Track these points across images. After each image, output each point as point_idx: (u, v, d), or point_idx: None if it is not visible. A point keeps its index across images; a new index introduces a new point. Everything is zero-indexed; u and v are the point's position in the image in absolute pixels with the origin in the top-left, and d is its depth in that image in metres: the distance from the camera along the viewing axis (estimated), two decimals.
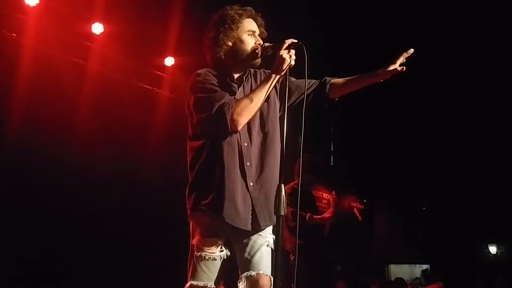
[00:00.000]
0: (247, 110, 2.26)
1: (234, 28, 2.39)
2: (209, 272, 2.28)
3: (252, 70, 2.53)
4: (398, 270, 12.42)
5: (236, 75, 2.46)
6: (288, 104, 2.25)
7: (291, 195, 3.46)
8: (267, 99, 2.38)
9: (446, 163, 10.30)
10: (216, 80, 2.36)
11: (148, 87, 6.77)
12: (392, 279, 10.87)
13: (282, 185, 2.04)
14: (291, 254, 4.45)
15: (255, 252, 2.32)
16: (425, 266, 12.40)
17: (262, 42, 2.42)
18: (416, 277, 11.72)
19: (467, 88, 7.89)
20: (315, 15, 6.31)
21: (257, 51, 2.39)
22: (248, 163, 2.33)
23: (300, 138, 2.18)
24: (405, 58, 2.37)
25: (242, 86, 2.44)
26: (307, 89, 2.36)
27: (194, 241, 2.31)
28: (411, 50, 2.37)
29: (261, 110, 2.38)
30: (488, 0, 6.32)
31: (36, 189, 5.40)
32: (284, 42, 2.24)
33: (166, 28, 5.97)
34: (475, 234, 11.34)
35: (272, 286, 2.25)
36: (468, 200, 10.55)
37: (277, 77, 2.29)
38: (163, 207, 6.10)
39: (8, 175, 5.22)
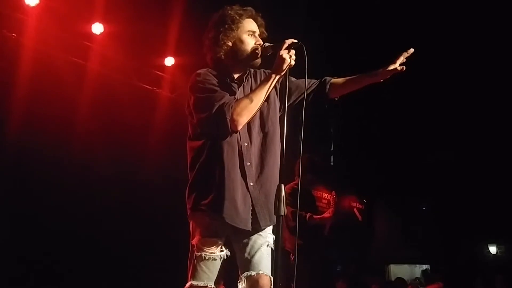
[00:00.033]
0: (247, 110, 2.26)
1: (234, 28, 2.39)
2: (209, 272, 2.28)
3: (252, 70, 2.53)
4: (398, 270, 12.42)
5: (236, 75, 2.46)
6: (288, 104, 2.25)
7: (291, 195, 3.47)
8: (267, 99, 2.38)
9: (446, 163, 10.30)
10: (216, 80, 2.36)
11: (148, 87, 6.77)
12: (392, 279, 10.87)
13: (282, 185, 2.04)
14: (291, 254, 4.45)
15: (255, 252, 2.32)
16: (425, 266, 12.40)
17: (262, 42, 2.42)
18: (416, 277, 11.71)
19: (467, 88, 7.89)
20: (315, 15, 6.30)
21: (257, 51, 2.39)
22: (248, 163, 2.33)
23: (300, 138, 2.18)
24: (405, 58, 2.37)
25: (242, 86, 2.44)
26: (307, 89, 2.36)
27: (194, 241, 2.31)
28: (411, 50, 2.37)
29: (261, 110, 2.38)
30: (488, 0, 6.32)
31: (36, 189, 5.40)
32: (284, 42, 2.24)
33: (166, 28, 5.97)
34: (475, 234, 11.34)
35: (272, 286, 2.25)
36: (468, 200, 10.54)
37: (277, 77, 2.29)
38: (163, 207, 6.10)
39: (8, 175, 5.22)
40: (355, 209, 10.97)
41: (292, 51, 2.22)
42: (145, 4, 5.62)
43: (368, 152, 9.92)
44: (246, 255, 2.33)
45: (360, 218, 11.02)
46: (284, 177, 2.07)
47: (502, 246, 12.43)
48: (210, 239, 2.30)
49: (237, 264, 2.37)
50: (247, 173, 2.31)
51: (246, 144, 2.35)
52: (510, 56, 6.98)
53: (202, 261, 2.27)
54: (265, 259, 2.33)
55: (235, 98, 2.32)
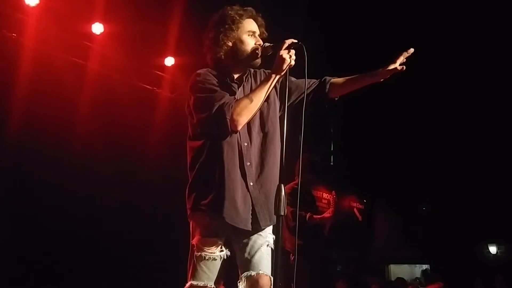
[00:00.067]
0: (247, 110, 2.26)
1: (234, 29, 2.39)
2: (209, 272, 2.29)
3: (252, 70, 2.53)
4: (398, 270, 12.41)
5: (236, 75, 2.46)
6: (288, 104, 2.25)
7: (291, 195, 3.47)
8: (267, 99, 2.38)
9: (446, 163, 10.29)
10: (216, 80, 2.36)
11: (148, 87, 6.77)
12: (392, 279, 10.87)
13: (282, 185, 2.04)
14: (291, 254, 4.45)
15: (255, 252, 2.32)
16: (425, 266, 12.39)
17: (262, 43, 2.42)
18: (416, 277, 11.71)
19: (467, 88, 7.89)
20: (315, 15, 6.30)
21: (257, 51, 2.39)
22: (248, 163, 2.33)
23: (300, 138, 2.18)
24: (405, 58, 2.37)
25: (242, 86, 2.44)
26: (307, 89, 2.36)
27: (194, 241, 2.31)
28: (411, 50, 2.37)
29: (261, 110, 2.38)
30: (488, 0, 6.32)
31: (36, 189, 5.40)
32: (284, 42, 2.24)
33: (166, 28, 5.97)
34: (475, 234, 11.34)
35: (272, 286, 2.25)
36: (468, 200, 10.54)
37: (277, 77, 2.29)
38: (163, 207, 6.10)
39: (8, 175, 5.22)
40: (355, 209, 10.97)
41: (292, 51, 2.22)
42: (145, 4, 5.62)
43: (368, 152, 9.92)
44: (246, 255, 2.33)
45: (360, 218, 11.02)
46: (284, 177, 2.07)
47: (502, 246, 12.43)
48: (210, 239, 2.30)
49: (237, 264, 2.37)
50: (247, 173, 2.32)
51: (246, 144, 2.35)
52: (510, 56, 6.98)
53: (202, 261, 2.27)
54: (265, 259, 2.33)
55: (235, 98, 2.32)
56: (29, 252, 5.15)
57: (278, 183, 2.05)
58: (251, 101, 2.27)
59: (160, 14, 5.77)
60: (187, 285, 2.29)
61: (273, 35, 2.48)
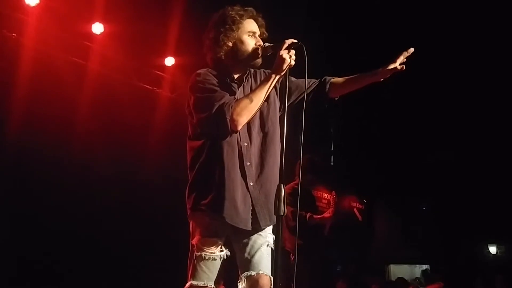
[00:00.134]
0: (247, 110, 2.26)
1: (234, 29, 2.39)
2: (209, 272, 2.29)
3: (252, 70, 2.53)
4: (398, 270, 12.41)
5: (236, 75, 2.46)
6: (288, 104, 2.25)
7: (291, 195, 3.47)
8: (267, 99, 2.39)
9: (446, 163, 10.29)
10: (216, 80, 2.36)
11: (148, 87, 6.77)
12: (392, 279, 10.86)
13: (282, 185, 2.04)
14: (291, 254, 4.45)
15: (255, 252, 2.32)
16: (425, 266, 12.38)
17: (262, 43, 2.42)
18: (416, 277, 11.70)
19: (467, 88, 7.88)
20: (315, 15, 6.30)
21: (257, 51, 2.40)
22: (248, 163, 2.33)
23: (300, 138, 2.18)
24: (405, 58, 2.37)
25: (242, 86, 2.44)
26: (307, 89, 2.36)
27: (194, 241, 2.32)
28: (411, 49, 2.37)
29: (261, 110, 2.38)
30: (488, 0, 6.32)
31: (36, 189, 5.40)
32: (284, 42, 2.25)
33: (166, 28, 5.97)
34: (475, 234, 11.33)
35: (272, 286, 2.25)
36: (468, 200, 10.54)
37: (277, 77, 2.29)
38: (163, 207, 6.10)
39: (8, 175, 5.22)
40: (355, 209, 10.97)
41: (292, 51, 2.23)
42: (145, 4, 5.62)
43: (368, 152, 9.91)
44: (246, 255, 2.33)
45: (360, 218, 11.02)
46: (284, 177, 2.07)
47: (502, 246, 12.42)
48: (210, 239, 2.30)
49: (237, 264, 2.37)
50: (247, 173, 2.32)
51: (246, 144, 2.35)
52: (510, 56, 6.98)
53: (202, 261, 2.27)
54: (265, 259, 2.33)
55: (235, 98, 2.32)
56: (29, 252, 5.15)
57: (278, 183, 2.05)
58: (251, 101, 2.27)
59: (160, 14, 5.77)
60: (187, 285, 2.29)
61: (273, 35, 2.48)
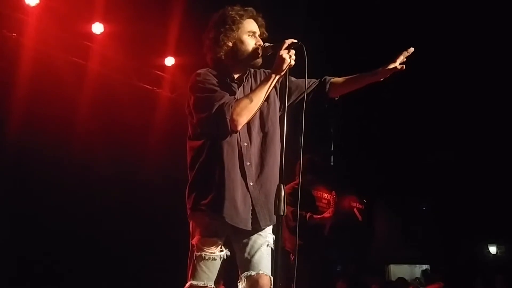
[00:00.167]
0: (247, 110, 2.26)
1: (234, 29, 2.39)
2: (209, 272, 2.29)
3: (252, 70, 2.53)
4: (398, 270, 12.40)
5: (236, 75, 2.46)
6: (288, 104, 2.26)
7: (291, 194, 3.47)
8: (267, 99, 2.39)
9: (446, 163, 10.29)
10: (216, 80, 2.36)
11: (148, 87, 6.77)
12: (392, 279, 10.86)
13: (282, 185, 2.04)
14: (291, 254, 4.45)
15: (255, 252, 2.32)
16: (425, 266, 12.37)
17: (262, 43, 2.42)
18: (416, 277, 11.69)
19: (467, 88, 7.88)
20: (315, 15, 6.30)
21: (257, 51, 2.40)
22: (248, 163, 2.33)
23: (300, 138, 2.18)
24: (405, 57, 2.38)
25: (242, 86, 2.44)
26: (307, 89, 2.36)
27: (194, 241, 2.32)
28: (411, 49, 2.37)
29: (261, 110, 2.38)
30: (488, 0, 6.32)
31: (36, 189, 5.40)
32: (284, 42, 2.25)
33: (166, 28, 5.97)
34: (475, 234, 11.33)
35: (272, 286, 2.25)
36: (468, 200, 10.54)
37: (277, 77, 2.29)
38: (163, 207, 6.10)
39: (8, 175, 5.22)
40: (355, 209, 10.97)
41: (292, 51, 2.23)
42: (145, 4, 5.62)
43: (368, 152, 9.91)
44: (246, 255, 2.33)
45: (360, 218, 11.01)
46: (284, 177, 2.07)
47: (502, 246, 12.42)
48: (210, 239, 2.30)
49: (237, 264, 2.37)
50: (247, 173, 2.32)
51: (246, 144, 2.35)
52: (510, 56, 6.98)
53: (202, 261, 2.28)
54: (265, 259, 2.33)
55: (235, 98, 2.33)
56: (29, 252, 5.15)
57: (278, 183, 2.05)
58: (251, 101, 2.27)
59: (160, 14, 5.77)
60: (187, 285, 2.29)
61: (273, 35, 2.48)
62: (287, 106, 2.19)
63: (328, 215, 4.77)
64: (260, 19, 2.48)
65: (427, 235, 11.75)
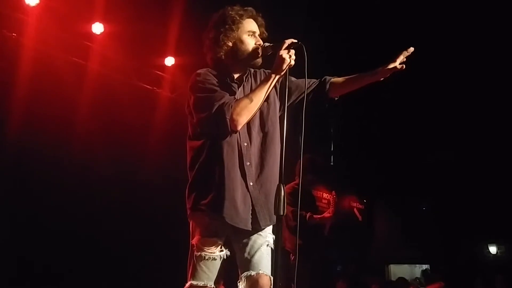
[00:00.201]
0: (247, 110, 2.26)
1: (234, 29, 2.40)
2: (209, 272, 2.29)
3: (252, 70, 2.53)
4: (398, 270, 12.40)
5: (236, 75, 2.46)
6: (288, 104, 2.26)
7: (291, 194, 3.47)
8: (267, 99, 2.39)
9: (446, 163, 10.29)
10: (216, 80, 2.36)
11: (148, 87, 6.77)
12: (392, 279, 10.86)
13: (282, 185, 2.04)
14: (291, 254, 4.45)
15: (255, 252, 2.32)
16: (425, 266, 12.37)
17: (262, 43, 2.42)
18: (416, 277, 11.70)
19: (467, 88, 7.88)
20: (315, 15, 6.30)
21: (257, 51, 2.40)
22: (248, 163, 2.33)
23: (300, 138, 2.18)
24: (405, 57, 2.37)
25: (242, 86, 2.45)
26: (307, 89, 2.36)
27: (194, 241, 2.32)
28: (411, 49, 2.37)
29: (261, 109, 2.38)
30: (488, 0, 6.32)
31: (36, 189, 5.40)
32: (284, 42, 2.25)
33: (166, 28, 5.97)
34: (475, 234, 11.33)
35: (272, 286, 2.25)
36: (468, 200, 10.54)
37: (277, 77, 2.29)
38: (163, 207, 6.10)
39: (8, 175, 5.22)
40: (355, 209, 10.97)
41: (292, 51, 2.23)
42: (145, 4, 5.62)
43: (368, 152, 9.91)
44: (246, 255, 2.33)
45: (360, 218, 11.02)
46: (284, 177, 2.07)
47: (502, 246, 12.42)
48: (210, 239, 2.30)
49: (237, 264, 2.37)
50: (247, 173, 2.32)
51: (245, 144, 2.35)
52: (510, 56, 6.98)
53: (202, 261, 2.28)
54: (265, 259, 2.33)
55: (235, 98, 2.33)
56: (29, 252, 5.15)
57: (278, 183, 2.05)
58: (251, 101, 2.27)
59: (160, 14, 5.77)
60: (187, 285, 2.29)
61: (273, 35, 2.48)
62: (287, 106, 2.19)
63: (328, 215, 4.77)
64: (259, 18, 2.48)
65: (427, 235, 11.74)
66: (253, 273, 2.29)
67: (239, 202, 2.27)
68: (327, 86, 2.52)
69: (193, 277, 2.27)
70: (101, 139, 5.98)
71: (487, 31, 6.75)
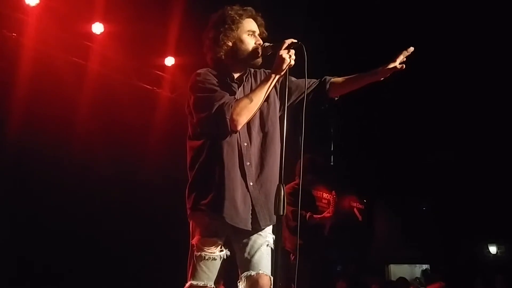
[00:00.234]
0: (247, 110, 2.26)
1: (234, 28, 2.40)
2: (209, 272, 2.29)
3: (252, 70, 2.53)
4: (398, 270, 12.40)
5: (236, 75, 2.46)
6: (288, 104, 2.26)
7: (291, 194, 3.47)
8: (267, 99, 2.39)
9: (446, 163, 10.29)
10: (216, 80, 2.36)
11: (148, 87, 6.77)
12: (392, 279, 10.86)
13: (282, 185, 2.04)
14: (291, 254, 4.45)
15: (255, 252, 2.32)
16: (425, 266, 12.38)
17: (262, 42, 2.42)
18: (416, 277, 11.70)
19: (467, 88, 7.88)
20: (315, 15, 6.30)
21: (257, 50, 2.40)
22: (248, 163, 2.33)
23: (300, 138, 2.18)
24: (405, 57, 2.37)
25: (242, 86, 2.45)
26: (307, 89, 2.36)
27: (194, 241, 2.32)
28: (411, 49, 2.37)
29: (261, 109, 2.38)
30: (488, 0, 6.32)
31: (36, 189, 5.40)
32: (284, 42, 2.25)
33: (166, 28, 5.97)
34: (475, 234, 11.32)
35: (272, 286, 2.25)
36: (468, 200, 10.53)
37: (277, 77, 2.30)
38: (163, 207, 6.10)
39: (8, 175, 5.22)
40: (355, 209, 10.96)
41: (292, 51, 2.23)
42: (145, 4, 5.62)
43: (368, 152, 9.91)
44: (246, 255, 2.33)
45: (360, 218, 11.01)
46: (284, 177, 2.07)
47: (502, 246, 12.41)
48: (210, 239, 2.30)
49: (237, 264, 2.37)
50: (246, 173, 2.32)
51: (245, 144, 2.35)
52: (510, 56, 6.98)
53: (202, 261, 2.27)
54: (265, 259, 2.33)
55: (235, 98, 2.33)
56: (29, 252, 5.15)
57: (278, 183, 2.05)
58: (251, 101, 2.27)
59: (160, 14, 5.77)
60: (187, 285, 2.29)
61: (273, 35, 2.48)
62: (287, 106, 2.19)
63: (328, 214, 4.77)
64: (259, 18, 2.48)
65: (427, 235, 11.74)
66: (253, 273, 2.29)
67: (239, 202, 2.27)
68: (327, 86, 2.52)
69: (193, 277, 2.27)
70: (101, 139, 5.98)
71: (487, 31, 6.75)
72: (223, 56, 2.41)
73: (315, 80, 2.55)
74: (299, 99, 2.48)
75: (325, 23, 6.42)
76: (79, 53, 5.92)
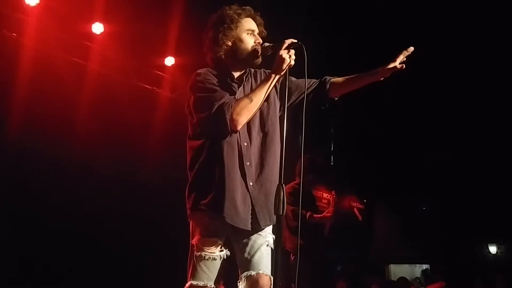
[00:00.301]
0: (247, 110, 2.26)
1: (233, 28, 2.40)
2: (209, 272, 2.29)
3: (252, 70, 2.53)
4: (398, 270, 12.40)
5: (236, 75, 2.46)
6: (288, 104, 2.26)
7: (291, 194, 3.47)
8: (267, 99, 2.39)
9: (446, 163, 10.29)
10: (216, 80, 2.36)
11: (148, 87, 6.77)
12: (392, 279, 10.86)
13: (282, 185, 2.04)
14: (291, 254, 4.45)
15: (255, 252, 2.32)
16: (425, 266, 12.38)
17: (261, 41, 2.42)
18: (416, 277, 11.70)
19: (467, 88, 7.88)
20: (315, 15, 6.31)
21: (257, 50, 2.40)
22: (248, 163, 2.33)
23: (300, 138, 2.18)
24: (405, 57, 2.37)
25: (242, 86, 2.45)
26: (307, 89, 2.36)
27: (194, 241, 2.32)
28: (411, 48, 2.37)
29: (261, 109, 2.38)
30: (488, 0, 6.32)
31: (36, 189, 5.40)
32: (284, 42, 2.25)
33: (166, 28, 5.97)
34: (475, 234, 11.33)
35: (272, 286, 2.25)
36: (468, 200, 10.53)
37: (277, 77, 2.30)
38: (163, 207, 6.10)
39: (8, 175, 5.22)
40: (355, 209, 10.97)
41: (292, 51, 2.23)
42: (145, 4, 5.62)
43: (368, 152, 9.91)
44: (246, 255, 2.33)
45: (360, 218, 11.02)
46: (284, 177, 2.07)
47: (502, 246, 12.41)
48: (210, 239, 2.30)
49: (237, 264, 2.37)
50: (246, 173, 2.32)
51: (245, 144, 2.35)
52: (510, 56, 6.98)
53: (202, 261, 2.27)
54: (265, 258, 2.33)
55: (235, 98, 2.33)
56: (29, 252, 5.15)
57: (278, 183, 2.05)
58: (251, 101, 2.27)
59: (160, 14, 5.77)
60: (187, 285, 2.29)
61: (273, 35, 2.48)
62: (287, 106, 2.19)
63: (328, 214, 4.77)
64: (258, 17, 2.48)
65: (427, 235, 11.74)
66: (253, 273, 2.29)
67: (239, 202, 2.27)
68: (327, 86, 2.52)
69: (193, 277, 2.27)
70: (101, 139, 5.98)
71: (486, 31, 6.75)
72: (223, 56, 2.42)
73: (315, 80, 2.55)
74: (299, 99, 2.48)
75: (325, 23, 6.42)
76: (79, 53, 5.92)
